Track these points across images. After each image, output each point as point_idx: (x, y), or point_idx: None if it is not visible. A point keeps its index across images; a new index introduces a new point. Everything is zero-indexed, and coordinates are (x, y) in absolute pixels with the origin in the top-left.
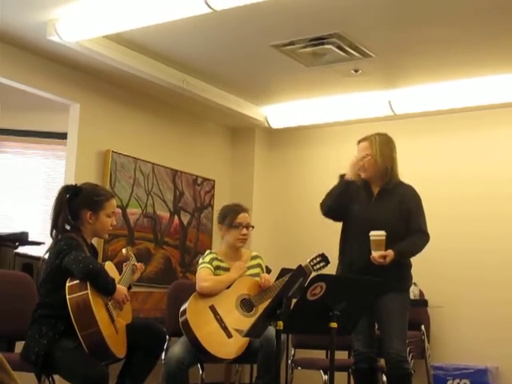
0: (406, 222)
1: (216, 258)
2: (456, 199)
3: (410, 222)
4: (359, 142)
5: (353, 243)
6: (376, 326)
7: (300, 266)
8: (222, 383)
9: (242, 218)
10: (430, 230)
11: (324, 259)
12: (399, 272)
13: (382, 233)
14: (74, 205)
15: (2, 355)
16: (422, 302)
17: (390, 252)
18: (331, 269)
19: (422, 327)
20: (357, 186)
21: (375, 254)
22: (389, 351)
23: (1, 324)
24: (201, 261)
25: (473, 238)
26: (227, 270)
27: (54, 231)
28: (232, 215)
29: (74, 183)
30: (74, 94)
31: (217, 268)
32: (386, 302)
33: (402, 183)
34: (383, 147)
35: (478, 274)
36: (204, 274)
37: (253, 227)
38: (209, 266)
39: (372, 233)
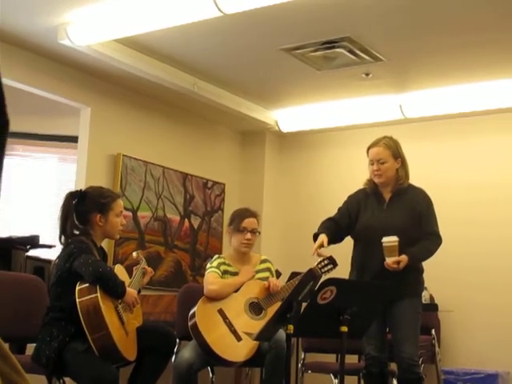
0: (419, 226)
1: (224, 263)
2: (467, 203)
3: (422, 225)
4: (370, 147)
5: (366, 250)
6: (387, 330)
7: (310, 269)
8: None
9: (247, 222)
10: (441, 233)
11: (332, 262)
12: (411, 277)
13: (395, 238)
14: (81, 209)
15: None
16: (432, 307)
17: (404, 257)
18: (342, 273)
19: (433, 331)
20: (366, 192)
21: (389, 261)
22: (401, 355)
23: (12, 326)
24: (208, 265)
25: (484, 242)
26: (235, 274)
27: (63, 237)
28: (238, 219)
29: (81, 188)
30: (84, 98)
31: (224, 272)
32: (398, 307)
33: (412, 187)
34: (397, 150)
35: (489, 278)
36: (211, 278)
37: (259, 233)
38: (216, 270)
39: (384, 239)
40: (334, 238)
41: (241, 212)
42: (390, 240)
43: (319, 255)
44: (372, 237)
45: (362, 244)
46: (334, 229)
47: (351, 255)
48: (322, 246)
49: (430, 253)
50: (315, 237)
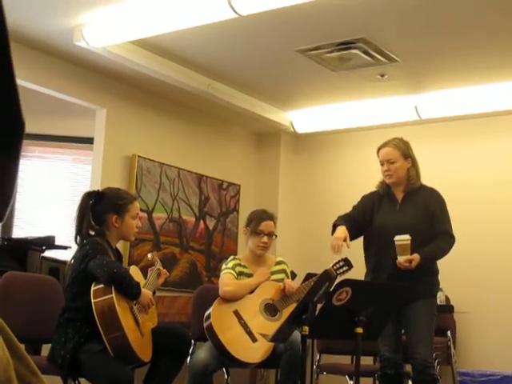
0: (431, 226)
1: (239, 264)
2: (483, 202)
3: (434, 224)
4: (379, 148)
5: (379, 251)
6: (402, 332)
7: (325, 270)
8: None
9: (264, 225)
10: (456, 233)
11: (347, 263)
12: (426, 278)
13: (407, 237)
14: (98, 210)
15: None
16: (448, 308)
17: (416, 256)
18: (357, 274)
19: (448, 333)
20: (379, 194)
21: (401, 259)
22: (415, 357)
23: (28, 327)
24: (224, 266)
25: (499, 242)
26: (250, 275)
27: (79, 237)
28: (256, 222)
29: (96, 189)
30: (100, 99)
31: (240, 274)
32: (412, 308)
33: (424, 186)
34: (407, 150)
35: (505, 279)
36: (226, 279)
37: (276, 236)
38: (231, 271)
39: (397, 237)
40: (352, 234)
41: (258, 214)
42: (402, 238)
43: (336, 250)
44: (385, 238)
45: (375, 245)
46: (351, 223)
47: (364, 257)
48: (344, 240)
49: (442, 252)
50: (334, 227)
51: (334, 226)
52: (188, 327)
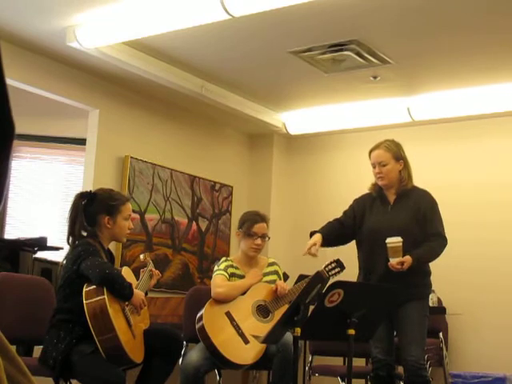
0: (423, 227)
1: (231, 266)
2: (476, 205)
3: (426, 226)
4: (371, 150)
5: (371, 252)
6: (395, 333)
7: (318, 272)
8: None
9: (258, 227)
10: (449, 236)
11: (339, 265)
12: (418, 279)
13: (399, 239)
14: (90, 211)
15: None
16: (440, 310)
17: (408, 258)
18: (350, 275)
19: (440, 335)
20: (372, 196)
21: (393, 261)
22: (407, 358)
23: (19, 328)
24: (216, 268)
25: (492, 244)
26: (242, 277)
27: (71, 238)
28: (249, 224)
29: (89, 189)
30: (93, 100)
31: (232, 275)
32: (405, 310)
33: (416, 188)
34: (399, 152)
35: (497, 281)
36: (219, 281)
37: (269, 238)
38: (224, 272)
39: (388, 240)
40: (334, 240)
41: (251, 216)
42: (393, 240)
43: (310, 254)
44: (377, 239)
45: (367, 247)
46: (336, 230)
47: (358, 257)
48: (314, 245)
49: (434, 254)
50: (311, 235)
51: (311, 234)
52: (180, 328)
